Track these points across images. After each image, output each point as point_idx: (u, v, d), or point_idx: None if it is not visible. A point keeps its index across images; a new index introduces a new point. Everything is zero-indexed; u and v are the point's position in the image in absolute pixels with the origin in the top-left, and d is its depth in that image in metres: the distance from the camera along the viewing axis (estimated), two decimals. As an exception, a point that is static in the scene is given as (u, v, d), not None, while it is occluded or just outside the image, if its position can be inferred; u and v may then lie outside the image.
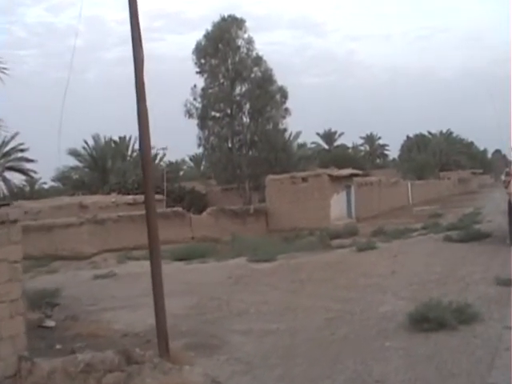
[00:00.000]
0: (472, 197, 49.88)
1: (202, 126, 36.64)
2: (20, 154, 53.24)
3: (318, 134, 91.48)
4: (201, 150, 38.40)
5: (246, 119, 37.10)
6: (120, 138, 58.77)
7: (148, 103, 6.89)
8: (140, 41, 6.93)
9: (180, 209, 27.71)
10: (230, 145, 37.07)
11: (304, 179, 30.48)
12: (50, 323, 9.55)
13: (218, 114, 36.81)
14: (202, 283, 13.84)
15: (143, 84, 6.94)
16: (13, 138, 52.03)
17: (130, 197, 30.52)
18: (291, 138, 50.61)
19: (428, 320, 7.55)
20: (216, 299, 11.46)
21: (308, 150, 72.88)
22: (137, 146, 57.29)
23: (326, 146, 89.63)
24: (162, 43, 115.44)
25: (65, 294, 13.07)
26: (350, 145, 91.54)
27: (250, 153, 37.25)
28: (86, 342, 8.30)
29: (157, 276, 7.29)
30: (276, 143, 36.03)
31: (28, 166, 53.05)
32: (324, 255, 16.79)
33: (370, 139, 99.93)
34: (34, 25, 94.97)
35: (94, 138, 45.56)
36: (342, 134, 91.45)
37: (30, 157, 52.12)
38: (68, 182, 45.96)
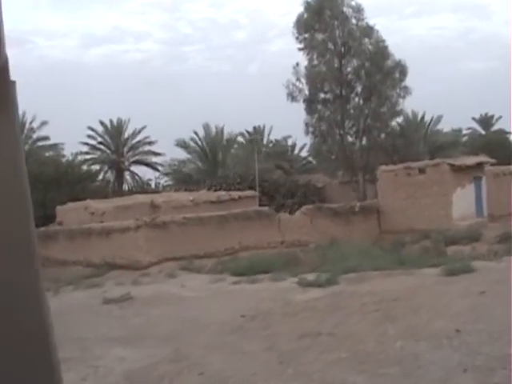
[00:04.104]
0: None
1: (309, 110, 31.97)
2: (147, 148, 52.18)
3: (473, 118, 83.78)
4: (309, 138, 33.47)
5: (358, 100, 31.85)
6: (254, 127, 55.94)
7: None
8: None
9: (265, 208, 23.53)
10: (341, 131, 32.00)
11: (421, 170, 25.16)
12: None
13: (327, 96, 31.88)
14: (202, 323, 10.11)
15: None
16: (140, 131, 51.20)
17: (215, 194, 26.65)
18: (431, 123, 45.01)
19: None
20: (183, 359, 7.77)
21: (461, 136, 66.43)
22: (272, 137, 53.80)
23: (483, 132, 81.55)
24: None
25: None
26: (509, 130, 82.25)
27: (364, 140, 31.99)
28: None
29: None
30: (393, 128, 30.65)
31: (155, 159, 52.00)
32: (398, 280, 11.96)
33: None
34: (197, 20, 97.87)
35: (204, 127, 42.56)
36: (499, 117, 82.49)
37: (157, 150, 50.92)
38: (176, 177, 43.54)
